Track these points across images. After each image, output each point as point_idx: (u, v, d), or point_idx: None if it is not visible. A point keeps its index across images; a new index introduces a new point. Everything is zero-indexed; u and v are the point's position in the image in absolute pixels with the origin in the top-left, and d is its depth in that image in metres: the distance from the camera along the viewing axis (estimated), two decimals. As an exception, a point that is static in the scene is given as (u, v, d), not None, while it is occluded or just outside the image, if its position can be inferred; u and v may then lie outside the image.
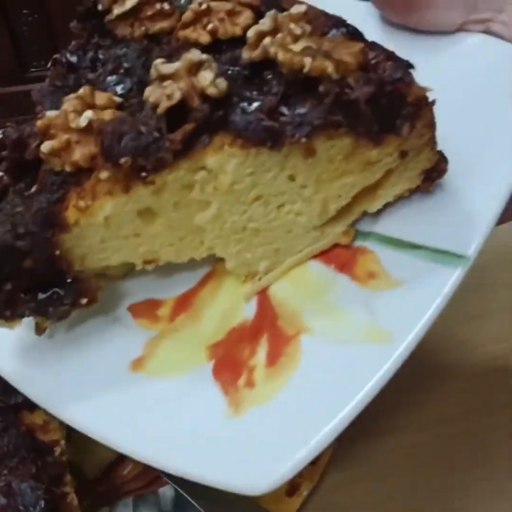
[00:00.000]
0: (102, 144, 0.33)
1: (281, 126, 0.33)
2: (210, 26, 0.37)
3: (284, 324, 0.37)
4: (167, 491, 0.46)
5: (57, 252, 0.34)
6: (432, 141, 0.35)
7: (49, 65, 0.39)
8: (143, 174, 0.33)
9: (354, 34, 0.36)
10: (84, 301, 0.36)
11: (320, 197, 0.36)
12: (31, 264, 0.34)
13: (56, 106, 0.36)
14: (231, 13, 0.37)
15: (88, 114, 0.33)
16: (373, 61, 0.34)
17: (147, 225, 0.36)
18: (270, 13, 0.35)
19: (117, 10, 0.38)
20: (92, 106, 0.34)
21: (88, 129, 0.33)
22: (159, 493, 0.46)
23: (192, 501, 0.43)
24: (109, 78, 0.36)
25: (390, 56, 0.34)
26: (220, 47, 0.37)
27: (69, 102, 0.34)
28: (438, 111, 0.34)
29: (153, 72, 0.34)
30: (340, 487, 0.48)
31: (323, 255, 0.39)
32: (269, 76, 0.35)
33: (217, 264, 0.40)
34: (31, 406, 0.40)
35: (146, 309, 0.40)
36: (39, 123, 0.34)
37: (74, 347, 0.39)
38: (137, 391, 0.36)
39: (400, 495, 0.48)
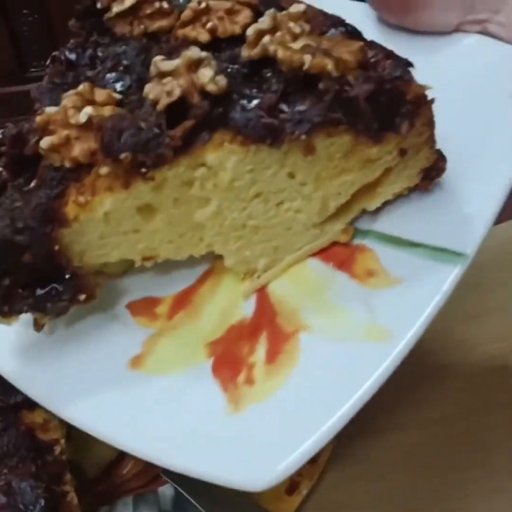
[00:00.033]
0: (102, 140, 0.33)
1: (280, 123, 0.33)
2: (209, 25, 0.37)
3: (283, 322, 0.37)
4: (166, 490, 0.46)
5: (56, 248, 0.34)
6: (431, 140, 0.35)
7: (47, 62, 0.39)
8: (143, 170, 0.33)
9: (353, 34, 0.36)
10: (82, 297, 0.36)
11: (319, 195, 0.36)
12: (30, 259, 0.34)
13: (55, 103, 0.36)
14: (230, 12, 0.37)
15: (88, 110, 0.33)
16: (372, 60, 0.34)
17: (147, 221, 0.36)
18: (270, 12, 0.35)
19: (116, 8, 0.38)
20: (91, 102, 0.34)
21: (87, 125, 0.33)
22: (158, 492, 0.46)
23: (192, 500, 0.43)
24: (109, 75, 0.36)
25: (389, 54, 0.34)
26: (219, 46, 0.37)
27: (69, 98, 0.34)
28: (436, 111, 0.34)
29: (152, 69, 0.34)
30: (339, 486, 0.48)
31: (322, 253, 0.39)
32: (268, 74, 0.35)
33: (216, 261, 0.40)
34: (30, 405, 0.40)
35: (144, 307, 0.40)
36: (38, 119, 0.34)
37: (73, 346, 0.39)
38: (136, 389, 0.36)
39: (399, 494, 0.48)
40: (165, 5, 0.38)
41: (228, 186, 0.35)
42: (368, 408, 0.33)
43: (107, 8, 0.39)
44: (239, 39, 0.36)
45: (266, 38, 0.34)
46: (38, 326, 0.37)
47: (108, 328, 0.39)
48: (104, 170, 0.33)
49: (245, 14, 0.37)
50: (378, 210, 0.38)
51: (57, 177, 0.34)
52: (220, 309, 0.39)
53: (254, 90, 0.34)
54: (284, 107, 0.34)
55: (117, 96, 0.35)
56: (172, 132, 0.33)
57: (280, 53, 0.33)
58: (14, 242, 0.33)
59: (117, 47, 0.38)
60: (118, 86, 0.36)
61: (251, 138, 0.33)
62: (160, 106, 0.33)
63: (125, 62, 0.37)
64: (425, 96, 0.33)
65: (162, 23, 0.38)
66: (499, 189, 0.36)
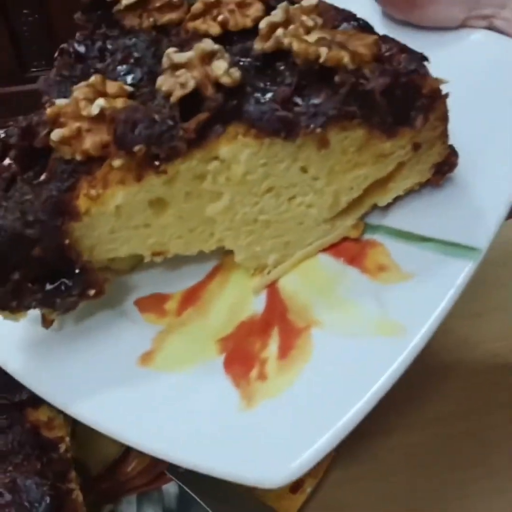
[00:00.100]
0: (115, 132, 0.32)
1: (295, 116, 0.33)
2: (220, 18, 0.37)
3: (294, 317, 0.37)
4: (171, 488, 0.46)
5: (66, 241, 0.34)
6: (444, 134, 0.35)
7: (55, 54, 0.38)
8: (156, 163, 0.33)
9: (365, 28, 0.36)
10: (92, 292, 0.36)
11: (331, 189, 0.36)
12: (40, 252, 0.33)
13: (64, 96, 0.35)
14: (241, 5, 0.37)
15: (100, 102, 0.33)
16: (387, 54, 0.34)
17: (158, 215, 0.35)
18: (282, 5, 0.35)
19: (125, 1, 0.38)
20: (103, 94, 0.34)
21: (99, 117, 0.33)
22: (163, 490, 0.46)
23: (196, 498, 0.43)
24: (119, 68, 0.36)
25: (404, 48, 0.34)
26: (230, 39, 0.36)
27: (80, 90, 0.34)
28: (445, 106, 0.35)
29: (165, 61, 0.34)
30: (343, 485, 0.48)
31: (332, 248, 0.39)
32: (282, 67, 0.34)
33: (225, 257, 0.40)
34: (35, 403, 0.40)
35: (153, 303, 0.40)
36: (48, 111, 0.33)
37: (81, 342, 0.38)
38: (147, 386, 0.36)
39: (401, 494, 0.48)
40: (175, -3, 0.38)
41: (241, 179, 0.35)
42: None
43: (116, 1, 0.38)
44: (250, 32, 0.36)
45: (279, 31, 0.34)
46: (46, 322, 0.37)
47: (116, 324, 0.39)
48: (117, 162, 0.32)
49: (256, 7, 0.37)
50: (388, 205, 0.38)
51: (68, 170, 0.33)
52: (230, 305, 0.39)
53: (268, 83, 0.34)
54: (298, 100, 0.33)
55: (129, 88, 0.34)
56: (186, 124, 0.32)
57: (295, 46, 0.33)
58: (24, 235, 0.33)
59: (127, 40, 0.37)
60: (129, 78, 0.35)
61: (265, 131, 0.33)
62: (173, 98, 0.32)
63: (135, 54, 0.36)
64: (440, 90, 0.33)
65: (172, 16, 0.38)
66: (511, 183, 0.36)
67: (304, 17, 0.35)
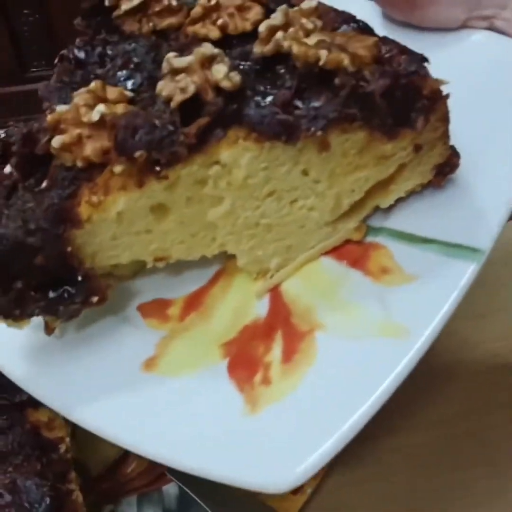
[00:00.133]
0: (116, 138, 0.32)
1: (296, 119, 0.33)
2: (220, 21, 0.37)
3: (297, 321, 0.37)
4: (171, 489, 0.46)
5: (69, 249, 0.34)
6: (445, 135, 0.35)
7: (55, 61, 0.38)
8: (157, 168, 0.33)
9: (365, 30, 0.36)
10: (95, 299, 0.36)
11: (333, 192, 0.36)
12: (42, 261, 0.33)
13: (64, 102, 0.35)
14: (241, 8, 0.37)
15: (101, 108, 0.33)
16: (387, 55, 0.34)
17: (159, 221, 0.35)
18: (282, 8, 0.35)
19: (125, 6, 0.38)
20: (103, 100, 0.34)
21: (100, 123, 0.33)
22: (163, 491, 0.46)
23: (196, 499, 0.43)
24: (119, 73, 0.36)
25: (404, 50, 0.34)
26: (230, 43, 0.36)
27: (80, 96, 0.34)
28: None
29: (165, 66, 0.34)
30: (343, 486, 0.48)
31: (335, 251, 0.38)
32: (282, 70, 0.34)
33: (228, 262, 0.40)
34: (35, 403, 0.40)
35: (155, 309, 0.40)
36: (49, 117, 0.33)
37: (84, 349, 0.38)
38: (151, 391, 0.36)
39: (402, 495, 0.48)
40: (174, 2, 0.38)
41: (242, 184, 0.35)
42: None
43: (115, 6, 0.38)
44: (249, 36, 0.36)
45: (279, 34, 0.34)
46: (49, 329, 0.37)
47: (119, 330, 0.39)
48: (118, 168, 0.32)
49: (255, 11, 0.37)
50: (390, 207, 0.38)
51: (69, 177, 0.33)
52: (233, 309, 0.39)
53: (268, 87, 0.34)
54: (298, 103, 0.33)
55: (129, 93, 0.34)
56: (186, 129, 0.32)
57: (295, 49, 0.33)
58: (26, 243, 0.33)
59: (127, 45, 0.37)
60: (129, 84, 0.35)
61: (266, 134, 0.33)
62: (174, 103, 0.32)
63: (135, 59, 0.36)
64: (440, 91, 0.33)
65: (171, 20, 0.38)
66: None
67: (303, 20, 0.35)
